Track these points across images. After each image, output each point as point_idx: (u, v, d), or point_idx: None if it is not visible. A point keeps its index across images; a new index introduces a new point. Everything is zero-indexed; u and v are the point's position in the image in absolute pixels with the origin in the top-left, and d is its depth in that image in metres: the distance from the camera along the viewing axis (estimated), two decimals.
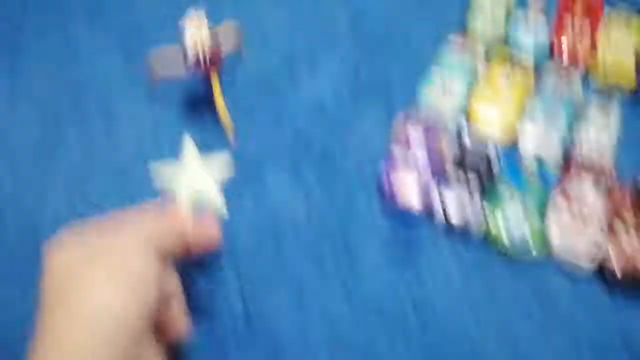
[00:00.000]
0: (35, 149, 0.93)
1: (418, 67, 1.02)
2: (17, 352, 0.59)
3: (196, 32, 0.86)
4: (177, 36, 0.88)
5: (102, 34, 1.04)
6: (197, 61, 0.88)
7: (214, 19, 0.91)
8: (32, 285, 0.62)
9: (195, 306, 0.78)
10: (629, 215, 0.86)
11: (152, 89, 0.97)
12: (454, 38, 1.03)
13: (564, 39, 1.03)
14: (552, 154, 0.92)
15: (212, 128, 0.95)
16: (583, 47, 1.03)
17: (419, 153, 0.91)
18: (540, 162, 0.91)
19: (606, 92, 0.97)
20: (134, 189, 0.87)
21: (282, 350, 0.80)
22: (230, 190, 0.89)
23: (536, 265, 0.86)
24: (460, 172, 0.89)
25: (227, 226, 0.85)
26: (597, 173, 0.89)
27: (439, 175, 0.90)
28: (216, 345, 0.80)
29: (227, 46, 0.91)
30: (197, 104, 0.98)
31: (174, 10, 0.90)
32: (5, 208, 0.88)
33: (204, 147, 0.93)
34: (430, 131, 0.92)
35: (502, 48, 1.02)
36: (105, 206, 0.87)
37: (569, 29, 1.04)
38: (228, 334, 0.80)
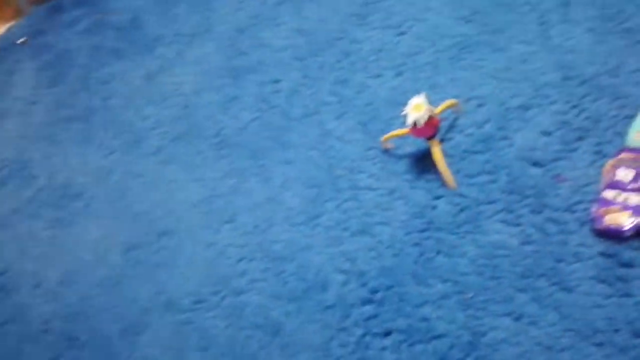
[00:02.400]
0: (304, 216, 1.21)
1: (627, 109, 1.07)
2: None
3: (415, 114, 1.08)
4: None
5: (346, 121, 1.32)
6: (418, 134, 1.12)
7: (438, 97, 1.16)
8: None
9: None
10: None
11: (386, 162, 1.21)
12: None
13: None
14: None
15: (437, 179, 1.14)
16: None
17: (630, 193, 0.96)
18: None
19: None
20: (379, 246, 1.10)
21: None
22: (452, 232, 1.07)
23: None
24: None
25: (451, 262, 1.03)
26: None
27: None
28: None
29: (441, 114, 1.13)
30: (424, 161, 1.18)
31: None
32: (284, 261, 1.16)
33: (431, 195, 1.12)
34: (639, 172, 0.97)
35: None
36: (358, 262, 1.09)
37: None
38: (450, 348, 0.95)
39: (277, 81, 1.49)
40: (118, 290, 1.27)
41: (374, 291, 1.04)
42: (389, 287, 1.04)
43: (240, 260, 1.20)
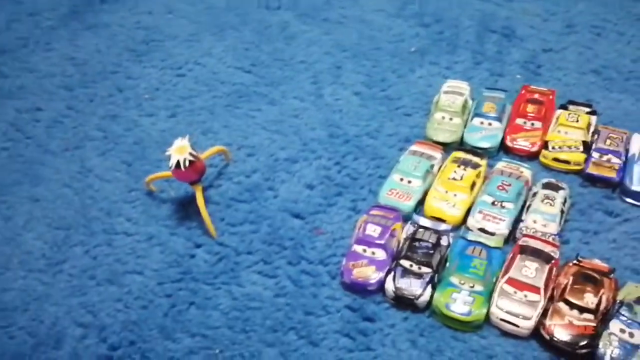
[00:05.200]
0: (46, 262, 1.07)
1: (381, 170, 1.14)
2: None
3: (178, 156, 1.02)
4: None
5: (110, 158, 1.22)
6: (180, 177, 1.06)
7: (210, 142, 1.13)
8: None
9: None
10: (570, 292, 0.91)
11: (148, 205, 1.13)
12: (415, 144, 1.15)
13: (516, 139, 1.14)
14: (500, 236, 1.00)
15: (199, 226, 1.09)
16: (535, 143, 1.13)
17: (376, 248, 1.00)
18: (487, 246, 0.99)
19: (553, 179, 1.07)
20: (127, 297, 1.00)
21: None
22: (208, 282, 1.02)
23: (477, 333, 0.92)
24: (414, 260, 0.97)
25: (203, 315, 0.97)
26: (542, 253, 0.96)
27: (394, 264, 0.98)
28: None
29: (210, 161, 1.09)
30: (188, 207, 1.12)
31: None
32: (15, 312, 1.00)
33: (191, 242, 1.07)
34: (388, 227, 1.02)
35: (457, 151, 1.13)
36: (101, 315, 0.99)
37: (522, 130, 1.15)
38: None
39: (37, 110, 1.34)
40: None
41: (114, 347, 0.94)
42: (132, 343, 0.94)
43: None
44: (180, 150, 1.03)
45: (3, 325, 0.98)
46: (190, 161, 1.03)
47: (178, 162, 1.02)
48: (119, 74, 1.40)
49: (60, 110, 1.34)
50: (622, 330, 0.88)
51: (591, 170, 1.08)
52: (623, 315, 0.89)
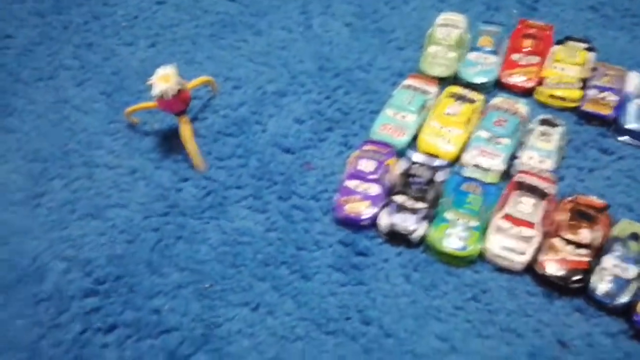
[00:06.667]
0: (23, 195, 1.02)
1: (373, 104, 1.10)
2: None
3: (162, 85, 0.97)
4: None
5: (88, 89, 1.16)
6: (166, 107, 1.01)
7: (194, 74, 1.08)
8: None
9: None
10: (565, 228, 0.91)
11: (130, 137, 1.08)
12: (408, 78, 1.11)
13: (512, 74, 1.11)
14: (495, 171, 0.98)
15: (184, 160, 1.04)
16: (531, 79, 1.10)
17: (370, 183, 0.97)
18: (482, 182, 0.97)
19: (550, 116, 1.04)
20: (111, 231, 0.97)
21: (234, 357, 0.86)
22: (196, 217, 0.98)
23: (471, 268, 0.91)
24: (409, 196, 0.95)
25: (191, 249, 0.94)
26: (538, 189, 0.94)
27: (388, 200, 0.96)
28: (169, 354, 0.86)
29: (194, 93, 1.04)
30: (173, 139, 1.07)
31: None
32: None
33: (177, 176, 1.03)
34: (381, 162, 0.99)
35: (452, 86, 1.09)
36: (84, 249, 0.95)
37: (518, 66, 1.12)
38: (181, 343, 0.86)
39: (7, 37, 1.26)
40: None
41: (100, 282, 0.91)
42: (118, 277, 0.91)
43: None
44: (165, 79, 0.98)
45: None
46: (177, 91, 0.97)
47: (163, 92, 0.97)
48: (94, 0, 1.32)
49: (32, 37, 1.25)
50: (615, 265, 0.88)
51: (587, 107, 1.06)
52: (616, 250, 0.89)
